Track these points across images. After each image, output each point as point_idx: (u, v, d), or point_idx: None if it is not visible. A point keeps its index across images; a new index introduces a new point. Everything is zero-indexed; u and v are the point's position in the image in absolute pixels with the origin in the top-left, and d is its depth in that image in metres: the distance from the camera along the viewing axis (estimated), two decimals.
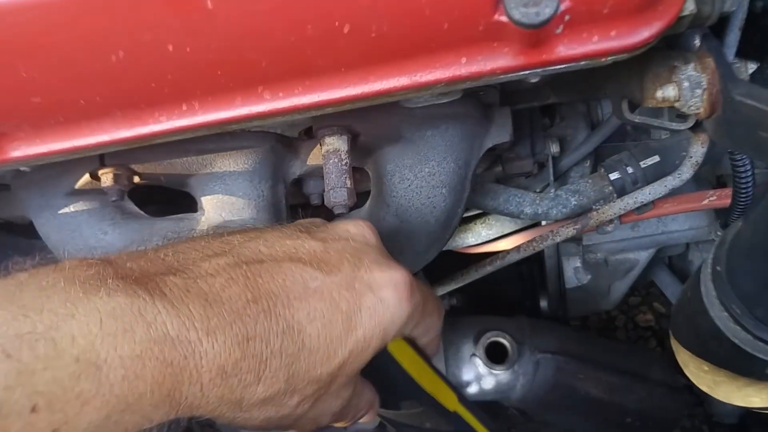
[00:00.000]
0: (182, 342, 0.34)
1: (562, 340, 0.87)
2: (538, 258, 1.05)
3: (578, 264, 0.91)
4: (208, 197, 0.63)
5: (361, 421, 0.53)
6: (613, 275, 0.92)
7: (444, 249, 0.86)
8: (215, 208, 0.62)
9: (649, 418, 0.90)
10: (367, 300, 0.42)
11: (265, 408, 0.39)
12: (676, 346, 0.64)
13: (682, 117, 0.61)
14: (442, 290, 0.76)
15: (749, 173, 0.60)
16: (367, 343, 0.42)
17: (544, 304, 0.98)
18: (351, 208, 0.69)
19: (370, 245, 0.47)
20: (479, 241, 0.83)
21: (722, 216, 0.70)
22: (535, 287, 1.06)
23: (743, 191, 0.61)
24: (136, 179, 0.61)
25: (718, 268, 0.50)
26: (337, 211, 0.55)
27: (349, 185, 0.55)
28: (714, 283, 0.51)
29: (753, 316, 0.48)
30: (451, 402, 0.57)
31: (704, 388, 0.66)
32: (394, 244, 0.64)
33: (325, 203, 0.56)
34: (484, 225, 0.82)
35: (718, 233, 0.70)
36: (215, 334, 0.35)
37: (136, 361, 0.32)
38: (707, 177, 0.87)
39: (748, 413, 1.00)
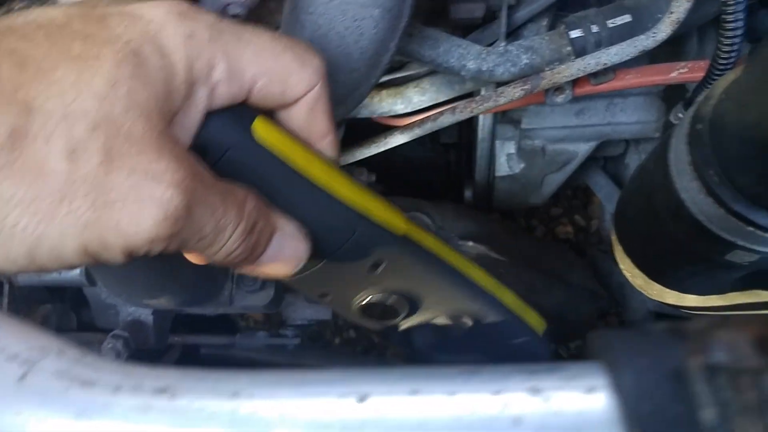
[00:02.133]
0: None
1: (486, 230, 0.78)
2: (468, 145, 0.95)
3: (513, 150, 0.82)
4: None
5: (265, 268, 0.36)
6: (548, 166, 0.84)
7: (367, 116, 0.75)
8: None
9: (565, 322, 0.85)
10: None
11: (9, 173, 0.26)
12: (617, 236, 0.56)
13: None
14: (360, 156, 0.64)
15: (738, 38, 0.51)
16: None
17: (468, 193, 0.89)
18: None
19: None
20: (410, 109, 0.71)
21: (683, 96, 0.62)
22: (461, 177, 0.96)
23: (724, 60, 0.52)
24: None
25: (699, 126, 0.41)
26: (231, 12, 0.42)
27: None
28: (690, 146, 0.42)
29: (733, 186, 0.39)
30: (397, 221, 0.41)
31: (638, 282, 0.59)
32: None
33: (204, 3, 0.42)
34: (417, 89, 0.70)
35: (676, 121, 0.61)
36: None
37: None
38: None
39: (658, 320, 0.97)
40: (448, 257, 0.48)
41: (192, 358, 0.83)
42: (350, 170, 0.75)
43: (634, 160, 0.92)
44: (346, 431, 0.20)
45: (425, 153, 0.96)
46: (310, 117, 0.38)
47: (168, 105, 0.31)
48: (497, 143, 0.82)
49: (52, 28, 0.29)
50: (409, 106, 0.71)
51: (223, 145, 0.34)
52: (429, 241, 0.45)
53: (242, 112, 0.35)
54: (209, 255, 0.32)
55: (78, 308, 0.80)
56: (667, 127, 0.80)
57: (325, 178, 0.37)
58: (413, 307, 0.49)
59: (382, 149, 0.63)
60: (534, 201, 0.88)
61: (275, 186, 0.36)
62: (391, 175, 0.92)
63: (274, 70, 0.35)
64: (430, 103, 0.70)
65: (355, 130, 0.75)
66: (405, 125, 0.62)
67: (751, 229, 0.40)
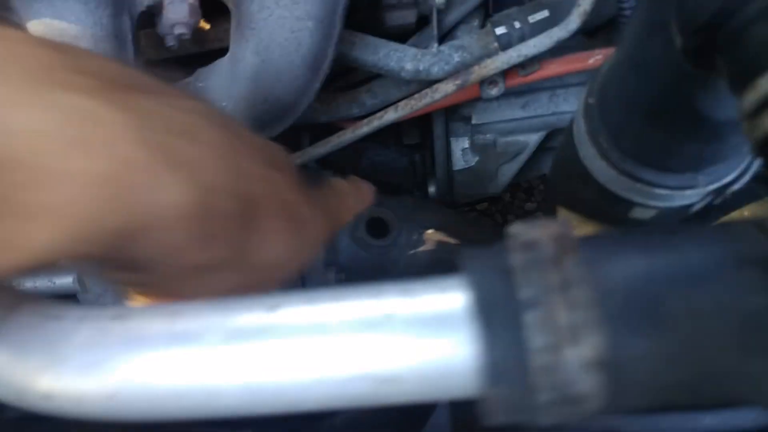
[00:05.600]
0: None
1: (447, 219, 0.84)
2: (429, 145, 1.02)
3: (466, 145, 0.88)
4: (35, 22, 0.53)
5: None
6: (501, 157, 0.90)
7: (327, 121, 0.81)
8: (43, 35, 0.53)
9: None
10: None
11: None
12: (551, 203, 0.62)
13: None
14: (316, 155, 0.70)
15: None
16: None
17: (432, 189, 0.96)
18: (204, 50, 0.61)
19: None
20: (364, 112, 0.77)
21: None
22: (425, 175, 1.02)
23: None
24: None
25: (590, 100, 0.47)
26: (177, 32, 0.48)
27: (192, 0, 0.47)
28: (585, 119, 0.48)
29: (619, 148, 0.45)
30: None
31: None
32: (258, 88, 0.57)
33: (159, 29, 0.48)
34: (368, 94, 0.76)
35: None
36: None
37: None
38: None
39: None
40: None
41: None
42: (319, 172, 0.82)
43: None
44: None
45: (391, 155, 1.02)
46: None
47: None
48: (452, 140, 0.88)
49: None
50: (363, 110, 0.77)
51: None
52: None
53: None
54: None
55: None
56: None
57: None
58: None
59: (337, 148, 0.69)
60: (492, 191, 0.94)
61: None
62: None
63: None
64: (382, 106, 0.77)
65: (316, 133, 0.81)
66: (355, 125, 0.68)
67: (640, 185, 0.45)
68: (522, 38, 0.64)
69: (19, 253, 0.24)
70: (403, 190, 1.06)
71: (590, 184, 0.50)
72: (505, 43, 0.64)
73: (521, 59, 0.62)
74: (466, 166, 0.88)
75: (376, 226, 0.82)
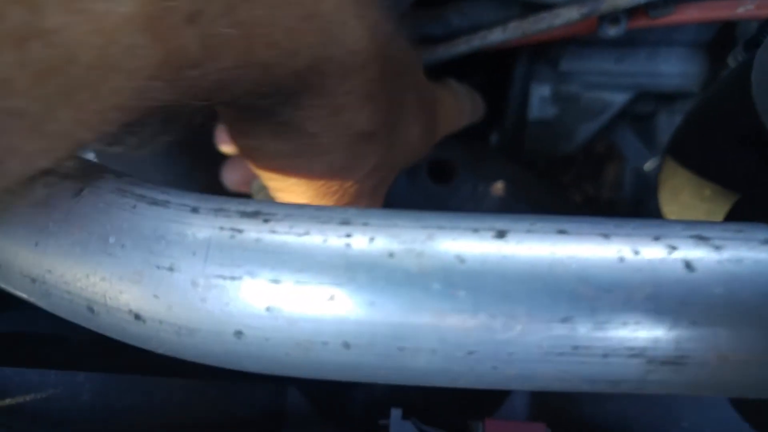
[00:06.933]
0: None
1: (518, 175, 0.75)
2: (495, 89, 0.92)
3: (547, 93, 0.79)
4: None
5: None
6: (582, 115, 0.80)
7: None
8: None
9: None
10: None
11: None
12: (672, 167, 0.53)
13: None
14: None
15: None
16: None
17: (494, 139, 0.86)
18: None
19: None
20: (447, 33, 0.67)
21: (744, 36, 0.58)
22: (484, 124, 0.93)
23: None
24: None
25: None
26: None
27: None
28: None
29: None
30: None
31: None
32: None
33: None
34: (456, 12, 0.66)
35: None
36: None
37: None
38: None
39: None
40: None
41: None
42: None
43: (664, 121, 0.89)
44: (485, 267, 0.17)
45: None
46: None
47: None
48: (532, 84, 0.78)
49: None
50: (446, 30, 0.67)
51: None
52: None
53: None
54: None
55: None
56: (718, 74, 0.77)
57: None
58: None
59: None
60: (563, 149, 0.85)
61: None
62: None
63: None
64: (471, 29, 0.66)
65: None
66: (450, 42, 0.58)
67: None
68: None
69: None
70: (456, 136, 0.97)
71: (757, 149, 0.41)
72: None
73: None
74: (542, 118, 0.79)
75: (438, 170, 0.72)
